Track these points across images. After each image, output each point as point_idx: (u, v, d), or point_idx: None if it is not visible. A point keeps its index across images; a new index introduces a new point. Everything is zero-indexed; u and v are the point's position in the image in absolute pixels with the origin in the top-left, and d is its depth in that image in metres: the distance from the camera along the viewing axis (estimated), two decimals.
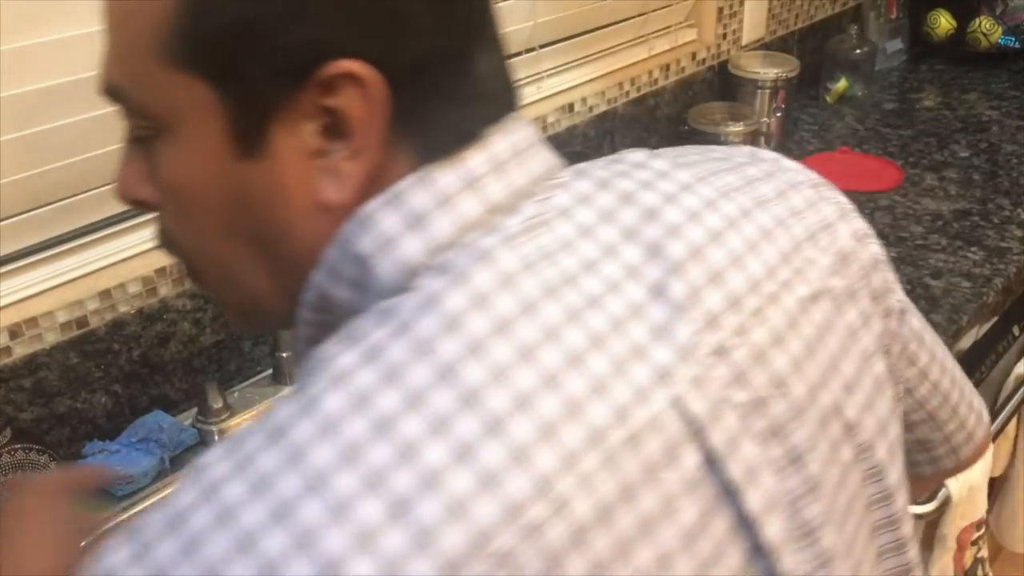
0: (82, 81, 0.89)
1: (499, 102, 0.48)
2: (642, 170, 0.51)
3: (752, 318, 0.47)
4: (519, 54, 1.34)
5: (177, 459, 0.98)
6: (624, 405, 0.41)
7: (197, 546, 0.37)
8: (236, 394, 1.06)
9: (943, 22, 2.00)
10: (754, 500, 0.45)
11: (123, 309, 0.97)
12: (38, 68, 0.87)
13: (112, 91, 0.49)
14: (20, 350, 0.91)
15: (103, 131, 0.93)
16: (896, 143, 1.67)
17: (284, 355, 1.06)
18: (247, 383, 1.08)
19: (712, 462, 0.44)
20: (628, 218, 0.47)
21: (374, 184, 0.45)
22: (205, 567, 0.36)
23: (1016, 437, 1.50)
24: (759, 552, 0.45)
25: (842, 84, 1.84)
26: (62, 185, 0.93)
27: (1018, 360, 1.44)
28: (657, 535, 0.41)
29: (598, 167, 0.51)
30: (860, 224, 0.57)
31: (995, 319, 1.30)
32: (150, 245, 1.00)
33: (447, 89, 0.45)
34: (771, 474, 0.46)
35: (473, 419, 0.39)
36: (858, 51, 1.85)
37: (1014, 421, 1.45)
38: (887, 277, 0.57)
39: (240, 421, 1.02)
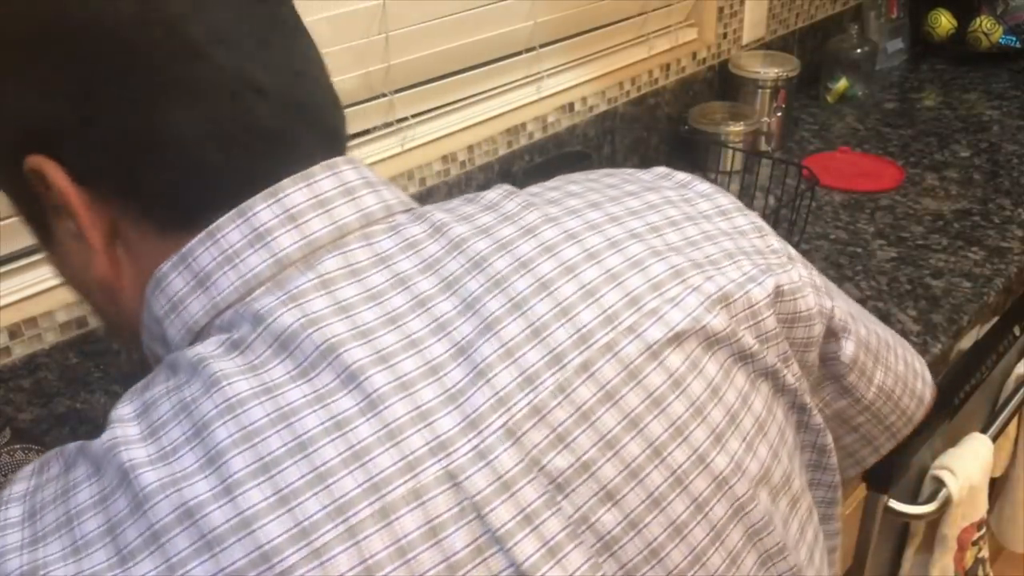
0: None
1: (284, 150, 0.46)
2: (488, 213, 0.48)
3: (576, 375, 0.42)
4: (519, 54, 1.34)
5: None
6: (387, 476, 0.38)
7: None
8: None
9: (944, 22, 2.00)
10: None
11: None
12: None
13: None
14: (19, 350, 0.91)
15: None
16: (897, 143, 1.67)
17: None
18: None
19: (494, 543, 0.39)
20: (452, 267, 0.45)
21: (128, 253, 0.47)
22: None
23: (1017, 437, 1.50)
24: None
25: (842, 84, 1.84)
26: None
27: (1018, 360, 1.44)
28: None
29: (444, 208, 0.49)
30: (774, 260, 0.52)
31: (996, 319, 1.30)
32: None
33: (167, 159, 0.45)
34: (585, 552, 0.41)
35: (208, 483, 0.38)
36: (858, 51, 1.84)
37: (1015, 421, 1.45)
38: (807, 313, 0.52)
39: None
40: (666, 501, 0.42)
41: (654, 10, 1.53)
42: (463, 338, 0.42)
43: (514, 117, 1.34)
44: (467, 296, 0.43)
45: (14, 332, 0.90)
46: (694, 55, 1.63)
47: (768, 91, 1.64)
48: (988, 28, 1.95)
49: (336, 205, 0.46)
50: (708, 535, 0.44)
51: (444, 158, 1.25)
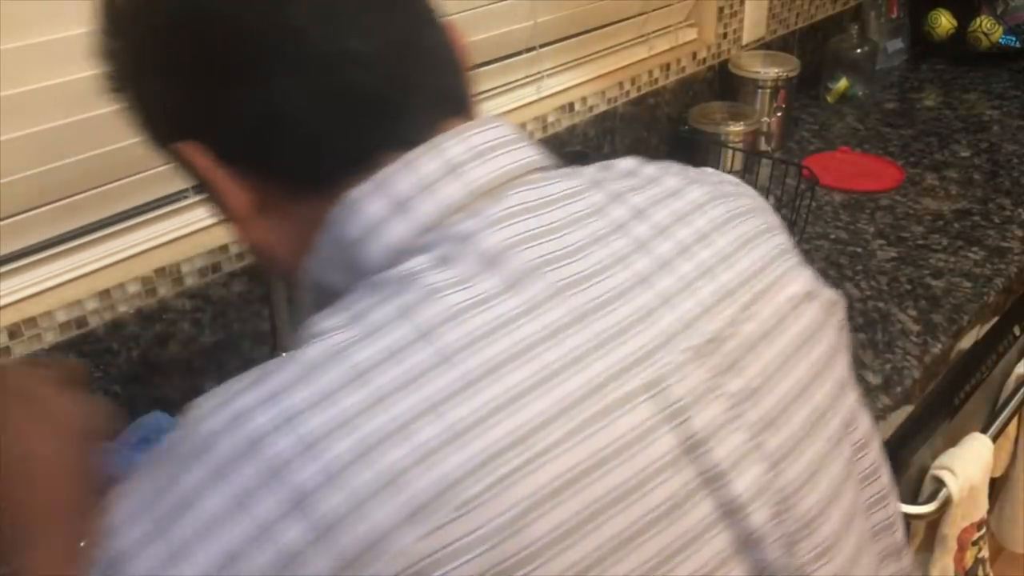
0: (82, 80, 0.89)
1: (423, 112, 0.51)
2: (631, 177, 0.53)
3: (742, 311, 0.49)
4: (519, 54, 1.34)
5: None
6: (600, 382, 0.43)
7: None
8: None
9: (944, 22, 2.00)
10: (739, 487, 0.45)
11: (122, 309, 0.97)
12: (38, 68, 0.87)
13: None
14: (19, 350, 0.91)
15: (103, 131, 0.93)
16: (897, 143, 1.67)
17: (284, 356, 1.06)
18: None
19: (693, 446, 0.44)
20: (617, 214, 0.50)
21: (271, 220, 0.53)
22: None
23: (1017, 437, 1.50)
24: (747, 541, 0.45)
25: (843, 84, 1.84)
26: (62, 185, 0.93)
27: (1019, 360, 1.44)
28: (628, 510, 0.42)
29: (589, 170, 0.53)
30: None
31: (996, 319, 1.30)
32: (150, 245, 1.01)
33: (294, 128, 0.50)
34: (759, 464, 0.47)
35: (448, 376, 0.41)
36: (859, 51, 1.84)
37: (1015, 421, 1.45)
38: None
39: None
40: (809, 434, 0.49)
41: (654, 10, 1.53)
42: (643, 270, 0.47)
43: (514, 117, 1.34)
44: (637, 238, 0.48)
45: (14, 332, 0.90)
46: (694, 55, 1.63)
47: (768, 91, 1.64)
48: (988, 28, 1.95)
49: (496, 155, 0.50)
50: (832, 453, 0.51)
51: None
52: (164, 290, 1.00)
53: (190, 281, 1.02)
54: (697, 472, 0.44)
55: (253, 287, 1.07)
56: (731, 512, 0.45)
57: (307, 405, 0.41)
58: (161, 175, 1.00)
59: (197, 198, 1.04)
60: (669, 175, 0.53)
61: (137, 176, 0.98)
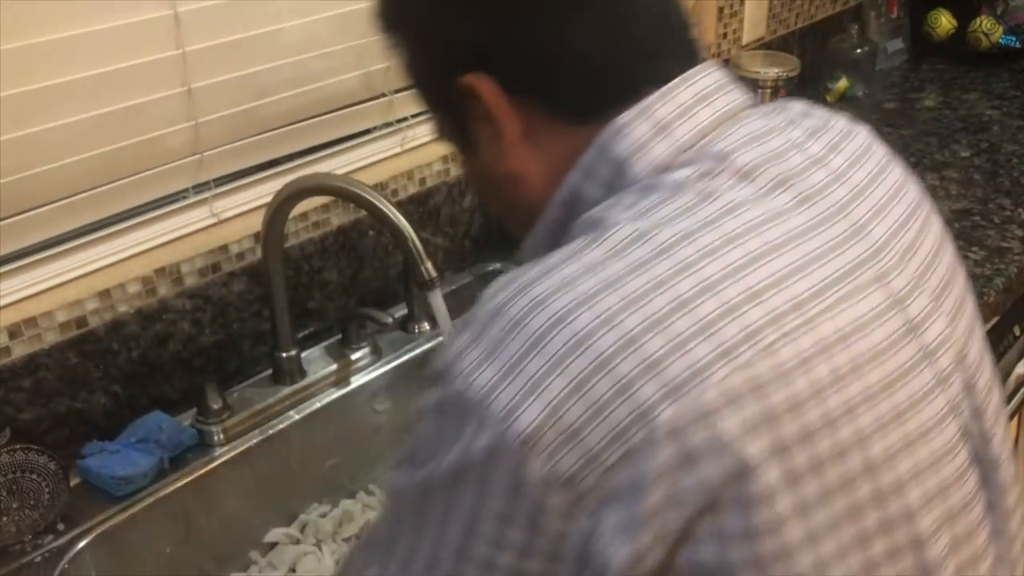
0: (82, 81, 0.89)
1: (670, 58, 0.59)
2: (810, 117, 0.63)
3: (918, 236, 0.60)
4: None
5: (176, 459, 0.98)
6: (845, 270, 0.54)
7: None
8: (236, 394, 1.06)
9: (944, 22, 2.00)
10: (942, 358, 0.57)
11: (122, 309, 0.97)
12: (38, 68, 0.87)
13: (437, 135, 0.69)
14: (19, 350, 0.91)
15: (103, 131, 0.93)
16: (897, 143, 1.67)
17: (283, 355, 1.06)
18: (247, 383, 1.08)
19: (912, 328, 0.55)
20: (815, 148, 0.60)
21: (534, 148, 0.60)
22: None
23: (1017, 437, 1.50)
24: (953, 400, 0.57)
25: (843, 84, 1.84)
26: (62, 185, 0.93)
27: (1019, 360, 1.44)
28: (876, 370, 0.52)
29: (774, 108, 0.63)
30: None
31: (996, 319, 1.30)
32: (150, 245, 1.01)
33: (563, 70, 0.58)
34: (948, 327, 0.58)
35: (737, 253, 0.51)
36: (859, 51, 1.84)
37: (1014, 421, 1.45)
38: None
39: (240, 421, 1.02)
40: (961, 303, 0.62)
41: None
42: (849, 192, 0.58)
43: None
44: (836, 168, 0.59)
45: (14, 332, 0.90)
46: None
47: (768, 91, 1.64)
48: (988, 28, 1.95)
49: (728, 90, 0.60)
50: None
51: (444, 158, 1.25)
52: (164, 290, 1.00)
53: (190, 281, 1.02)
54: (918, 347, 0.55)
55: (253, 287, 1.07)
56: (942, 380, 0.56)
57: (629, 271, 0.50)
58: (161, 175, 1.00)
59: (198, 198, 1.04)
60: (835, 117, 0.64)
61: (137, 176, 0.98)
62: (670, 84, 0.58)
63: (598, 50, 0.57)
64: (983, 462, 0.59)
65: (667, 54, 0.59)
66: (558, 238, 0.60)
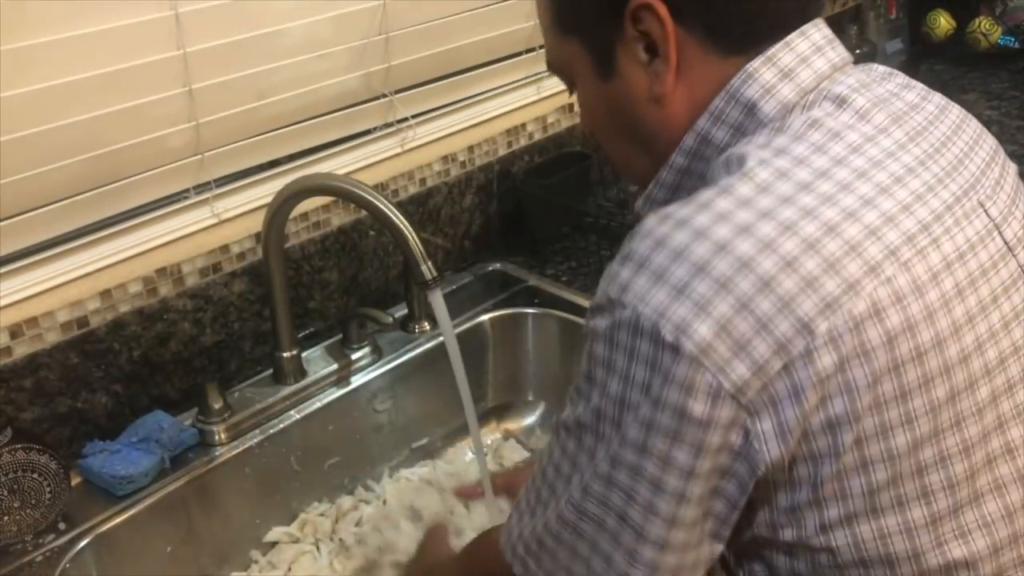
0: (83, 81, 0.90)
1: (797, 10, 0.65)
2: (895, 77, 0.69)
3: (996, 184, 0.66)
4: (519, 54, 1.34)
5: (177, 459, 0.98)
6: (958, 195, 0.61)
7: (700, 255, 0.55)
8: (236, 394, 1.06)
9: (943, 22, 2.00)
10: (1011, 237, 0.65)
11: (123, 309, 0.97)
12: (38, 68, 0.87)
13: (550, 65, 0.74)
14: (20, 350, 0.91)
15: (104, 131, 0.93)
16: None
17: (284, 355, 1.06)
18: (247, 383, 1.08)
19: (1012, 247, 0.63)
20: (909, 97, 0.67)
21: (681, 74, 0.64)
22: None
23: None
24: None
25: None
26: (63, 185, 0.93)
27: None
28: (991, 280, 0.61)
29: (865, 70, 0.69)
30: None
31: None
32: (150, 245, 1.01)
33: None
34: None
35: (870, 184, 0.58)
36: (858, 51, 1.84)
37: None
38: None
39: (241, 420, 1.03)
40: None
41: None
42: (942, 136, 0.65)
43: (514, 117, 1.34)
44: (928, 116, 0.65)
45: (15, 332, 0.91)
46: None
47: None
48: (987, 28, 1.95)
49: (836, 44, 0.66)
50: None
51: (444, 158, 1.25)
52: (165, 290, 1.00)
53: (191, 281, 1.02)
54: (1016, 266, 0.63)
55: (253, 287, 1.07)
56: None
57: (779, 203, 0.56)
58: (162, 175, 1.00)
59: (198, 198, 1.04)
60: (914, 82, 0.70)
61: (137, 176, 0.98)
62: (788, 38, 0.64)
63: None
64: None
65: (808, 8, 0.66)
66: (679, 185, 0.68)
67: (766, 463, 0.55)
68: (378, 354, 1.14)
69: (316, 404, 1.08)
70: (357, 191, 0.94)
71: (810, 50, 0.65)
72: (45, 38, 0.86)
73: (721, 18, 0.64)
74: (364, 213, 1.14)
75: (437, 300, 0.95)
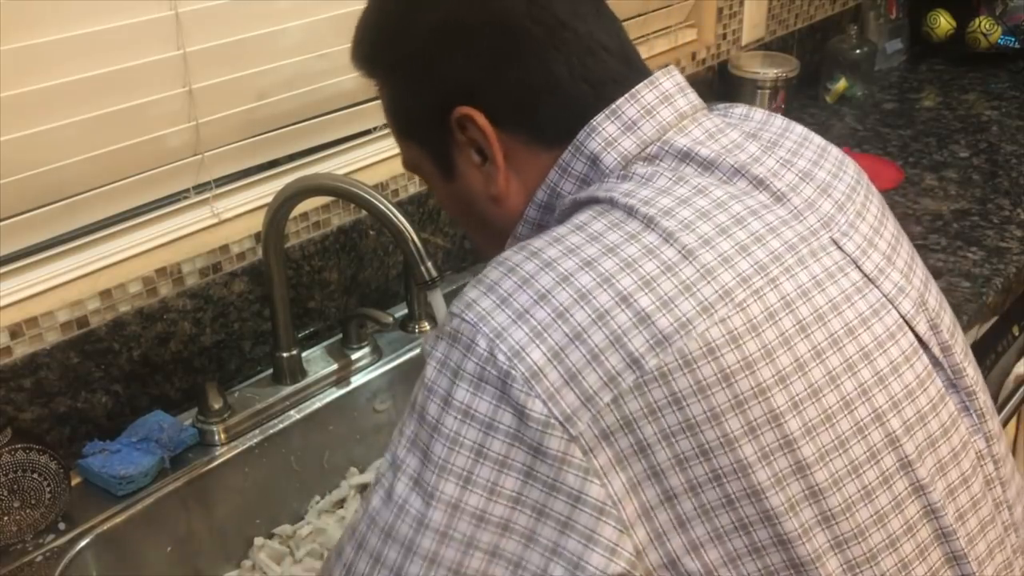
0: (83, 81, 0.90)
1: (618, 78, 0.66)
2: (750, 120, 0.70)
3: (860, 212, 0.67)
4: None
5: (177, 459, 0.98)
6: (803, 235, 0.61)
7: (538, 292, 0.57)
8: (236, 394, 1.06)
9: (943, 22, 2.00)
10: (900, 302, 0.64)
11: (123, 309, 0.97)
12: (38, 68, 0.87)
13: (405, 165, 0.76)
14: (20, 350, 0.91)
15: (104, 131, 0.93)
16: (896, 143, 1.67)
17: (284, 355, 1.06)
18: (247, 383, 1.08)
19: (869, 280, 0.63)
20: (752, 149, 0.66)
21: (513, 173, 0.68)
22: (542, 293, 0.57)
23: (1016, 437, 1.50)
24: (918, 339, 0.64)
25: (842, 84, 1.84)
26: (63, 185, 0.93)
27: (1018, 360, 1.44)
28: (838, 317, 0.60)
29: (721, 112, 0.71)
30: None
31: (995, 319, 1.30)
32: (150, 245, 1.01)
33: (545, 94, 0.66)
34: (902, 279, 0.65)
35: (692, 236, 0.58)
36: (858, 51, 1.85)
37: (1014, 421, 1.45)
38: None
39: (241, 420, 1.03)
40: (911, 262, 0.69)
41: (654, 11, 1.53)
42: (797, 176, 0.65)
43: None
44: (782, 158, 0.66)
45: (15, 332, 0.91)
46: (693, 56, 1.63)
47: (767, 92, 1.64)
48: (987, 28, 1.95)
49: (685, 92, 0.68)
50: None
51: None
52: (165, 290, 1.00)
53: (190, 281, 1.02)
54: (878, 296, 0.62)
55: (253, 287, 1.07)
56: (906, 321, 0.63)
57: (625, 240, 0.58)
58: (162, 175, 1.00)
59: (198, 198, 1.04)
60: (773, 116, 0.72)
61: (138, 176, 0.98)
62: (635, 88, 0.66)
63: (575, 80, 0.65)
64: (959, 391, 0.66)
65: (630, 78, 0.67)
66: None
67: (611, 499, 0.54)
68: (378, 354, 1.15)
69: (316, 404, 1.08)
70: (357, 191, 0.94)
71: (656, 100, 0.66)
72: (45, 38, 0.86)
73: (539, 119, 0.66)
74: (364, 213, 1.14)
75: (437, 300, 0.95)
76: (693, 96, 0.68)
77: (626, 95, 0.65)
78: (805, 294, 0.59)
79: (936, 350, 0.65)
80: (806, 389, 0.57)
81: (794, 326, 0.58)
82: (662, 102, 0.66)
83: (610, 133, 0.65)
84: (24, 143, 0.88)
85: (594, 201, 0.62)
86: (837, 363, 0.58)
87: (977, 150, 1.63)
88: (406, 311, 1.20)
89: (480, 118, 0.66)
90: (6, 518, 0.87)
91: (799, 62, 1.66)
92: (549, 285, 0.56)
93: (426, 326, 1.19)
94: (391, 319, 1.08)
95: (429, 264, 0.93)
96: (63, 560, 0.87)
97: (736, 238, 0.59)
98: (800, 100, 1.82)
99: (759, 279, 0.58)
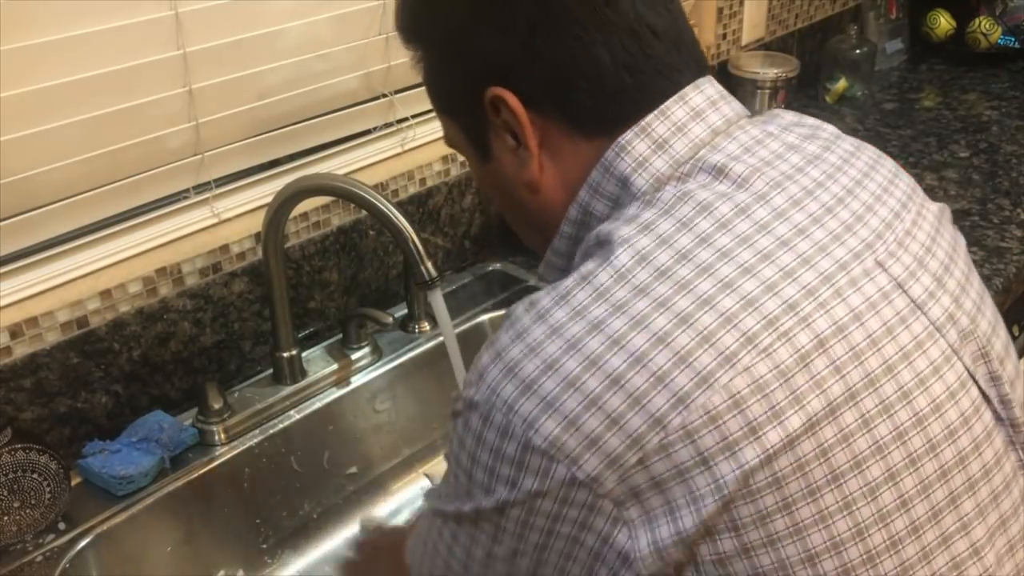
0: (82, 81, 0.90)
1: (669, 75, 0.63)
2: (801, 126, 0.67)
3: (911, 229, 0.63)
4: None
5: (177, 459, 0.98)
6: (846, 260, 0.58)
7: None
8: (236, 394, 1.06)
9: (943, 22, 2.00)
10: (948, 333, 0.60)
11: (123, 309, 0.97)
12: (38, 68, 0.87)
13: (447, 141, 0.73)
14: (20, 350, 0.91)
15: (104, 131, 0.93)
16: (896, 143, 1.67)
17: (284, 355, 1.06)
18: (247, 383, 1.08)
19: (918, 307, 0.59)
20: (811, 149, 0.64)
21: (547, 159, 0.64)
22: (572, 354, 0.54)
23: None
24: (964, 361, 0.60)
25: (842, 84, 1.84)
26: (63, 185, 0.93)
27: (1018, 360, 1.44)
28: (884, 348, 0.56)
29: (766, 120, 0.67)
30: None
31: None
32: (150, 245, 1.01)
33: (582, 87, 0.62)
34: (951, 304, 0.62)
35: (711, 281, 0.54)
36: (858, 51, 1.85)
37: None
38: None
39: (241, 420, 1.03)
40: (964, 283, 0.65)
41: None
42: (843, 189, 0.62)
43: None
44: (824, 170, 0.62)
45: (15, 332, 0.91)
46: None
47: (767, 92, 1.64)
48: (987, 28, 1.95)
49: (721, 104, 0.64)
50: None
51: (444, 158, 1.25)
52: (165, 290, 1.00)
53: (190, 281, 1.02)
54: (925, 324, 0.59)
55: (253, 287, 1.07)
56: (954, 352, 0.60)
57: (634, 295, 0.55)
58: (162, 175, 1.00)
59: (198, 198, 1.04)
60: (824, 124, 0.69)
61: (138, 176, 0.98)
62: (665, 105, 0.62)
63: (616, 68, 0.61)
64: (1006, 423, 0.62)
65: (679, 68, 0.63)
66: (573, 252, 0.66)
67: (636, 553, 0.53)
68: (378, 354, 1.15)
69: (316, 404, 1.08)
70: (357, 191, 0.94)
71: (687, 117, 0.62)
72: (45, 38, 0.86)
73: (575, 104, 0.62)
74: (364, 213, 1.14)
75: (437, 300, 0.95)
76: (727, 108, 0.64)
77: (656, 111, 0.62)
78: (841, 331, 0.55)
79: (983, 382, 0.61)
80: (836, 435, 0.53)
81: (827, 367, 0.54)
82: (694, 118, 0.63)
83: (640, 152, 0.61)
84: (24, 143, 0.88)
85: (607, 244, 0.58)
86: (872, 405, 0.55)
87: (977, 150, 1.63)
88: (406, 311, 1.20)
89: (512, 100, 0.62)
90: (6, 518, 0.87)
91: (799, 62, 1.66)
92: (556, 354, 0.54)
93: (426, 326, 1.19)
94: (391, 319, 1.08)
95: (429, 264, 0.93)
96: (63, 560, 0.88)
97: (761, 276, 0.55)
98: (800, 100, 1.82)
99: (788, 319, 0.54)
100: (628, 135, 0.62)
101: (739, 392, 0.52)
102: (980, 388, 0.60)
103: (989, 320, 0.65)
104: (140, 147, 0.97)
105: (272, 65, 1.04)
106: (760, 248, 0.56)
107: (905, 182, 0.67)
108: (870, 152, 0.67)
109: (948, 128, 1.73)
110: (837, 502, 0.53)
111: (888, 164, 0.68)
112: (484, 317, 1.23)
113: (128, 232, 1.00)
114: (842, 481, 0.53)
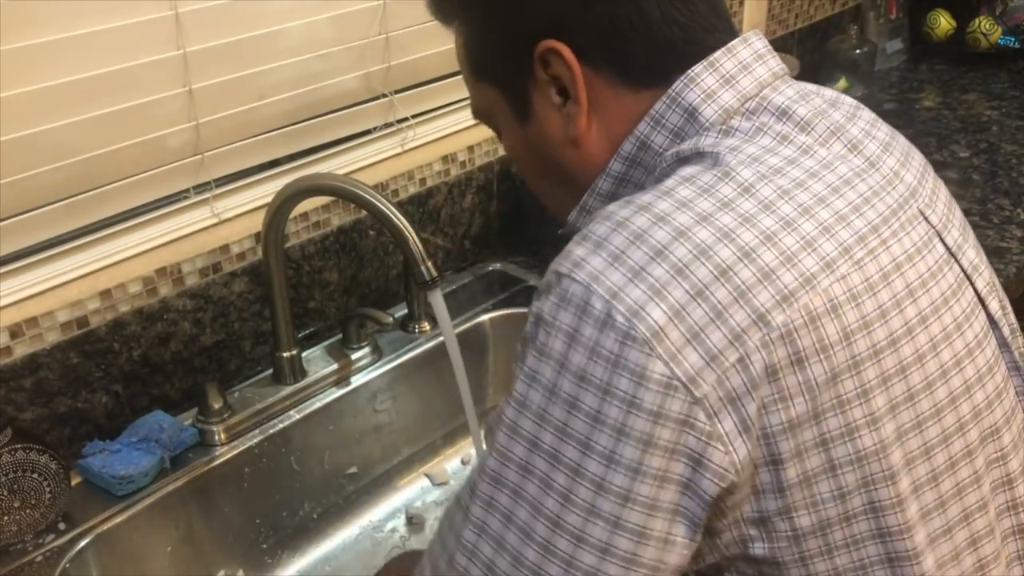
0: (83, 81, 0.90)
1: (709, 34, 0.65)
2: (822, 93, 0.69)
3: (932, 193, 0.67)
4: None
5: (177, 459, 0.98)
6: (895, 207, 0.61)
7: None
8: (236, 394, 1.06)
9: (943, 22, 2.00)
10: (977, 279, 0.66)
11: (123, 309, 0.97)
12: (38, 68, 0.87)
13: (475, 114, 0.74)
14: (20, 350, 0.91)
15: (104, 131, 0.93)
16: None
17: (284, 355, 1.06)
18: (247, 383, 1.08)
19: (953, 253, 0.64)
20: (844, 110, 0.67)
21: (594, 115, 0.65)
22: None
23: None
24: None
25: (842, 84, 1.84)
26: (62, 185, 0.93)
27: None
28: (930, 291, 0.60)
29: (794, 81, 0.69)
30: None
31: None
32: (150, 245, 1.01)
33: (633, 39, 0.63)
34: (978, 256, 0.67)
35: (807, 194, 0.58)
36: (858, 51, 1.85)
37: None
38: None
39: (240, 420, 1.03)
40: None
41: None
42: (879, 147, 0.65)
43: None
44: (861, 128, 0.66)
45: (15, 332, 0.91)
46: None
47: None
48: (987, 28, 1.95)
49: (768, 59, 0.66)
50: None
51: (444, 158, 1.25)
52: (165, 290, 1.00)
53: (191, 281, 1.02)
54: (959, 271, 0.63)
55: (253, 287, 1.07)
56: (980, 300, 0.65)
57: (741, 194, 0.57)
58: (162, 175, 1.00)
59: (198, 198, 1.04)
60: (844, 96, 0.71)
61: (138, 176, 0.98)
62: (731, 44, 0.64)
63: (667, 22, 0.63)
64: (1021, 373, 0.67)
65: (718, 28, 0.66)
66: (618, 194, 0.66)
67: (735, 467, 0.53)
68: (378, 354, 1.15)
69: (316, 404, 1.08)
70: (357, 191, 0.94)
71: (751, 57, 0.65)
72: (45, 38, 0.86)
73: (627, 55, 0.64)
74: (364, 213, 1.14)
75: (437, 300, 0.95)
76: (774, 62, 0.67)
77: (723, 49, 0.64)
78: (910, 259, 0.59)
79: (1006, 330, 0.66)
80: (913, 354, 0.57)
81: (904, 288, 0.58)
82: (757, 59, 0.65)
83: (709, 85, 0.63)
84: (24, 143, 0.88)
85: (700, 155, 0.60)
86: (937, 331, 0.59)
87: (977, 150, 1.63)
88: (406, 311, 1.20)
89: (567, 52, 0.63)
90: (6, 518, 0.87)
91: (799, 62, 1.66)
92: (665, 240, 0.54)
93: (426, 326, 1.19)
94: (391, 319, 1.08)
95: (429, 264, 0.93)
96: (63, 560, 0.88)
97: (847, 198, 0.58)
98: None
99: (873, 239, 0.58)
100: (697, 68, 0.63)
101: (836, 298, 0.55)
102: (1000, 336, 0.66)
103: (986, 264, 0.69)
104: (140, 147, 0.97)
105: (272, 65, 1.04)
106: (840, 174, 0.60)
107: (919, 154, 0.71)
108: (886, 125, 0.71)
109: (948, 128, 1.73)
110: (911, 414, 0.58)
111: (903, 137, 0.71)
112: (484, 317, 1.23)
113: (128, 232, 1.00)
114: (916, 396, 0.58)
